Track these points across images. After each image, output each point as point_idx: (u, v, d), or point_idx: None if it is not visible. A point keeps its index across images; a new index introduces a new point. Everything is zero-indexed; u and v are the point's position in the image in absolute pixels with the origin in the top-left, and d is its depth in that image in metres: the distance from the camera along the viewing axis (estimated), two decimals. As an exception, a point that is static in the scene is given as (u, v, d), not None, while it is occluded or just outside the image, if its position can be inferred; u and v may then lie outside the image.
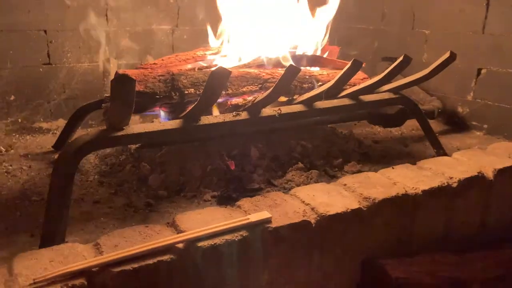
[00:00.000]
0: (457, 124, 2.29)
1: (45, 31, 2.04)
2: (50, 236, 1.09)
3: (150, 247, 1.02)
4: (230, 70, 1.14)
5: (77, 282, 0.94)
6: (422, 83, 2.30)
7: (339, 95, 1.65)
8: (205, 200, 1.45)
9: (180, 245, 1.06)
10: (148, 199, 1.43)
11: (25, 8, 1.97)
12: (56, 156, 1.77)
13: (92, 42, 2.12)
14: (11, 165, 1.70)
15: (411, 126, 2.25)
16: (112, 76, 1.34)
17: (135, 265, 0.99)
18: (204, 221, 1.14)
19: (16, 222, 1.32)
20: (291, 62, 1.54)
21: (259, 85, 1.56)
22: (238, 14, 1.80)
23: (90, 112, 1.76)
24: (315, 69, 1.78)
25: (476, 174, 1.51)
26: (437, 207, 1.45)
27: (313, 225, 1.21)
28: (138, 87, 1.36)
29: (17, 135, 2.02)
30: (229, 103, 1.57)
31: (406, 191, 1.37)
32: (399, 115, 1.93)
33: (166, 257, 1.02)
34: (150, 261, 1.00)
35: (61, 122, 2.09)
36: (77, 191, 1.51)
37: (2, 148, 1.83)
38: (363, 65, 1.83)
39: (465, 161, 1.62)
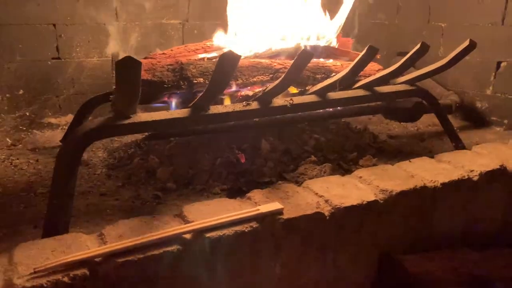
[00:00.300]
0: (475, 119, 2.22)
1: (54, 25, 2.02)
2: (53, 226, 1.05)
3: (155, 237, 0.98)
4: (240, 55, 1.09)
5: (79, 272, 0.90)
6: (438, 78, 2.25)
7: (353, 87, 1.59)
8: (215, 193, 1.40)
9: (188, 236, 1.01)
10: (156, 192, 1.39)
11: (35, 2, 1.95)
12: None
13: (101, 36, 2.10)
14: (18, 159, 1.67)
15: (427, 122, 2.18)
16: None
17: (140, 256, 0.94)
18: (212, 212, 1.10)
19: (20, 214, 1.29)
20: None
21: (271, 75, 1.51)
22: (251, 6, 1.77)
23: (99, 105, 1.72)
24: (329, 61, 1.72)
25: (498, 167, 1.44)
26: (457, 201, 1.38)
27: (327, 217, 1.15)
28: (146, 76, 1.32)
29: (25, 130, 2.00)
30: (239, 94, 1.52)
31: (424, 184, 1.31)
32: (416, 108, 1.86)
33: (172, 248, 0.97)
34: (156, 252, 0.96)
35: (70, 118, 2.06)
36: (84, 184, 1.47)
37: (8, 140, 1.81)
38: (378, 56, 1.79)
39: (486, 154, 1.55)
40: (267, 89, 1.36)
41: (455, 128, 1.88)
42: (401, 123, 2.16)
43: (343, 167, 1.57)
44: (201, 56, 1.52)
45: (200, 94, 1.26)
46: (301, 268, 1.16)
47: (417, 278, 1.22)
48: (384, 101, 1.78)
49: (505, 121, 2.11)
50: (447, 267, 1.29)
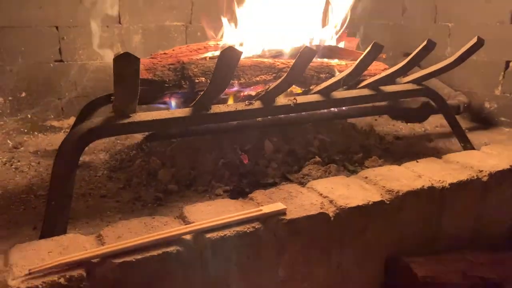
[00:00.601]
0: (484, 120, 2.17)
1: (57, 28, 2.01)
2: (51, 227, 1.03)
3: (154, 237, 0.95)
4: (241, 51, 1.06)
5: (75, 273, 0.87)
6: (446, 79, 2.22)
7: (358, 86, 1.56)
8: (217, 195, 1.37)
9: (188, 237, 0.98)
10: (157, 194, 1.37)
11: (37, 4, 1.95)
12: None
13: (104, 39, 2.09)
14: (19, 161, 1.65)
15: (434, 123, 2.14)
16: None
17: (138, 257, 0.92)
18: (214, 213, 1.07)
19: (20, 215, 1.26)
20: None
21: (273, 74, 1.48)
22: (253, 6, 1.75)
23: (101, 107, 1.70)
24: (334, 60, 1.69)
25: (509, 167, 1.41)
26: (466, 202, 1.35)
27: (332, 218, 1.12)
28: (147, 75, 1.30)
29: (28, 133, 1.98)
30: (242, 94, 1.49)
31: (432, 184, 1.28)
32: (423, 109, 1.82)
33: (171, 249, 0.95)
34: (155, 253, 0.93)
35: (73, 120, 2.03)
36: (85, 186, 1.45)
37: (10, 142, 1.79)
38: (383, 56, 1.76)
39: (495, 154, 1.51)
40: (269, 88, 1.33)
41: (464, 129, 1.84)
42: (408, 124, 2.13)
43: (349, 168, 1.54)
44: (203, 55, 1.50)
45: (201, 93, 1.23)
46: (304, 270, 1.12)
47: (425, 281, 1.19)
48: (390, 100, 1.75)
49: (515, 122, 2.07)
50: (456, 270, 1.25)
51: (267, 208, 1.07)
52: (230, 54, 1.06)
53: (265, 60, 1.52)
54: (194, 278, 0.99)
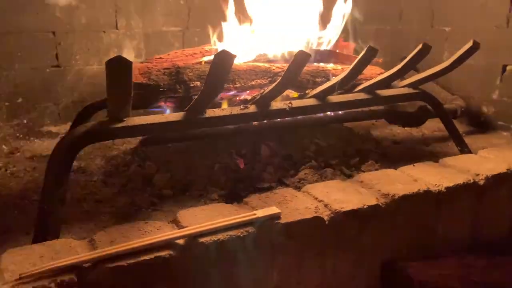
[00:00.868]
0: (482, 124, 2.17)
1: (53, 33, 2.01)
2: (43, 232, 1.02)
3: (147, 242, 0.94)
4: (235, 54, 1.06)
5: (67, 277, 0.86)
6: (443, 83, 2.22)
7: (354, 90, 1.56)
8: (212, 199, 1.37)
9: (181, 241, 0.98)
10: (152, 198, 1.36)
11: (34, 10, 1.95)
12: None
13: (101, 44, 2.09)
14: (14, 167, 1.65)
15: (432, 127, 2.13)
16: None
17: (131, 261, 0.91)
18: (208, 217, 1.06)
19: (13, 220, 1.26)
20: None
21: (269, 79, 1.48)
22: (251, 11, 1.75)
23: (96, 112, 1.70)
24: (329, 65, 1.69)
25: (505, 171, 1.40)
26: (463, 206, 1.34)
27: (326, 222, 1.11)
28: (141, 79, 1.30)
29: (24, 138, 1.98)
30: (238, 98, 1.49)
31: (428, 188, 1.27)
32: (420, 113, 1.81)
33: (164, 253, 0.94)
34: (147, 257, 0.93)
35: (70, 126, 2.04)
36: (80, 191, 1.45)
37: (5, 147, 1.79)
38: (379, 61, 1.76)
39: (492, 158, 1.51)
40: (264, 92, 1.33)
41: (461, 133, 1.83)
42: (406, 128, 2.12)
43: (345, 172, 1.53)
44: (198, 60, 1.50)
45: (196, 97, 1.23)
46: (299, 275, 1.11)
47: (421, 286, 1.18)
48: (386, 104, 1.75)
49: (512, 126, 2.07)
50: (453, 274, 1.24)
51: (261, 212, 1.07)
52: (223, 57, 1.06)
53: (261, 64, 1.52)
54: (187, 282, 0.98)
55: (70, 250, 0.95)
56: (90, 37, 2.06)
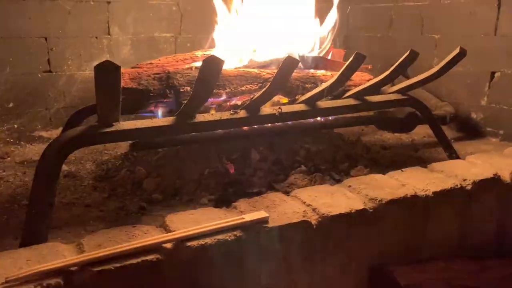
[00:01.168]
0: (470, 130, 2.19)
1: (45, 38, 2.02)
2: (31, 236, 1.03)
3: (134, 246, 0.95)
4: (224, 60, 1.07)
5: (53, 281, 0.86)
6: (433, 90, 2.24)
7: (343, 96, 1.58)
8: (202, 204, 1.37)
9: (168, 245, 0.98)
10: (142, 203, 1.36)
11: (26, 15, 1.96)
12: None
13: (93, 49, 2.10)
14: (4, 171, 1.65)
15: (422, 133, 2.15)
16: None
17: (117, 265, 0.91)
18: (196, 222, 1.07)
19: (2, 225, 1.26)
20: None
21: (259, 84, 1.49)
22: (243, 17, 1.77)
23: (87, 117, 1.71)
24: (320, 71, 1.71)
25: (492, 176, 1.41)
26: (450, 211, 1.35)
27: (314, 226, 1.12)
28: (131, 84, 1.31)
29: (15, 143, 1.98)
30: (228, 103, 1.50)
31: (415, 193, 1.28)
32: (409, 119, 1.83)
33: (151, 257, 0.94)
34: (134, 261, 0.93)
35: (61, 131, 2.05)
36: (69, 195, 1.45)
37: (-5, 152, 1.79)
38: (369, 67, 1.78)
39: (479, 163, 1.52)
40: (254, 97, 1.34)
41: (450, 139, 1.85)
42: (395, 134, 2.14)
43: (334, 177, 1.54)
44: (189, 65, 1.51)
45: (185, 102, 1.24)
46: (287, 279, 1.12)
47: (409, 289, 1.18)
48: (375, 110, 1.76)
49: (501, 132, 2.09)
50: (441, 279, 1.25)
51: (249, 216, 1.07)
52: (212, 63, 1.07)
53: (251, 70, 1.53)
54: (174, 286, 0.98)
55: (57, 254, 0.95)
56: (82, 43, 2.07)
